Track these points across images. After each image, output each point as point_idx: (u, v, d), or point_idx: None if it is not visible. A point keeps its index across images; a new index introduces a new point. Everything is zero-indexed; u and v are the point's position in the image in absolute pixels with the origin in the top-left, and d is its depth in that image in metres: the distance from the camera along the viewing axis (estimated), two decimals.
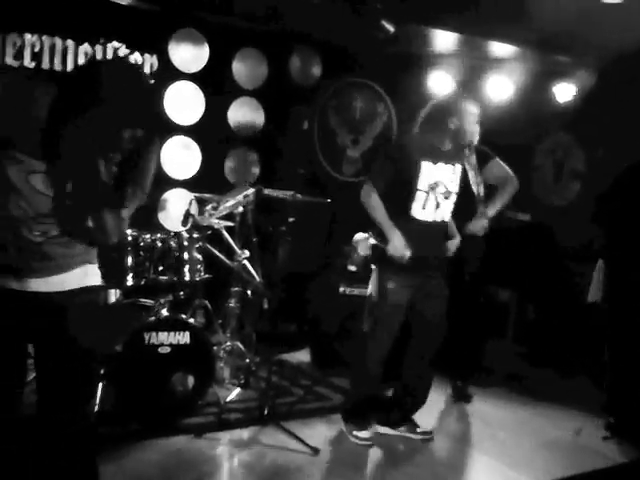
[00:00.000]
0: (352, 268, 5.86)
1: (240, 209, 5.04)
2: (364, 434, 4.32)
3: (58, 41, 5.50)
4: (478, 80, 6.65)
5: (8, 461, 2.46)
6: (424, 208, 4.14)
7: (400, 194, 4.12)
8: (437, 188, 4.16)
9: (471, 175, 4.94)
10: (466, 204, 4.69)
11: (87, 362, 2.52)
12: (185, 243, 4.46)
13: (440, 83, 6.74)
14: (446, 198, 4.19)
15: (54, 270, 2.40)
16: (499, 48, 6.22)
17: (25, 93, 2.24)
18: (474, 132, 4.30)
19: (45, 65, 5.41)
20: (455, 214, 4.36)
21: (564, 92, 6.36)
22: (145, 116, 2.25)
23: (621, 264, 4.70)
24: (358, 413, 4.40)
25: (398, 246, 4.05)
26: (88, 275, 2.51)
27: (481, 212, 4.79)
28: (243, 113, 6.63)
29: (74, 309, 2.44)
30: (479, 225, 4.70)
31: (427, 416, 4.64)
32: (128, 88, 2.19)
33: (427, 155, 4.12)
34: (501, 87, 6.57)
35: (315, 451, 4.04)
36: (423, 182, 4.11)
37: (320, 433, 4.36)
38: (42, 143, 2.21)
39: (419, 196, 4.11)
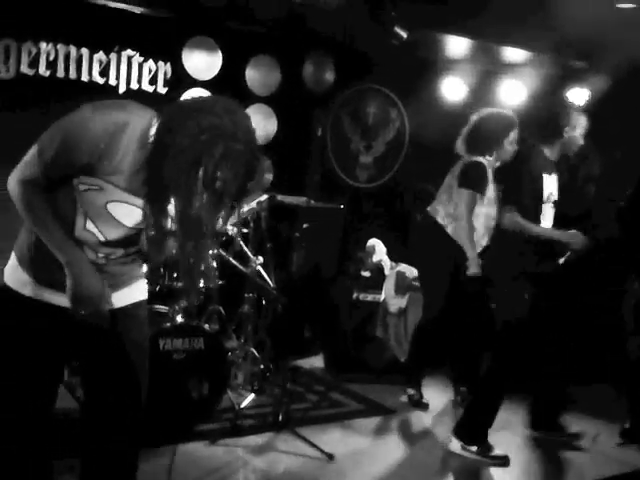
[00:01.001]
0: (365, 274, 5.88)
1: (254, 215, 5.07)
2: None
3: (73, 49, 5.53)
4: (491, 85, 6.65)
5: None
6: (544, 220, 4.20)
7: (529, 209, 4.12)
8: (550, 198, 4.22)
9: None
10: None
11: (139, 376, 2.49)
12: None
13: (453, 89, 6.75)
14: (552, 207, 4.25)
15: (113, 288, 2.38)
16: (512, 53, 6.23)
17: (115, 122, 2.11)
18: (579, 144, 4.33)
19: (60, 74, 5.44)
20: None
21: (578, 96, 6.35)
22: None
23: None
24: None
25: (576, 236, 4.10)
26: (140, 289, 2.54)
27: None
28: (256, 120, 6.62)
29: (128, 323, 2.44)
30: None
31: (437, 418, 4.62)
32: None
33: (545, 167, 4.20)
34: (514, 92, 6.57)
35: (330, 457, 4.03)
36: (545, 194, 4.16)
37: (335, 439, 4.36)
38: (134, 177, 2.13)
39: (543, 209, 4.16)
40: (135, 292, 2.51)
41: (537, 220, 4.14)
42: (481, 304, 4.93)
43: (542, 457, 4.38)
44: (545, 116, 4.37)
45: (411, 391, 5.16)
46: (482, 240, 4.87)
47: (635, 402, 4.72)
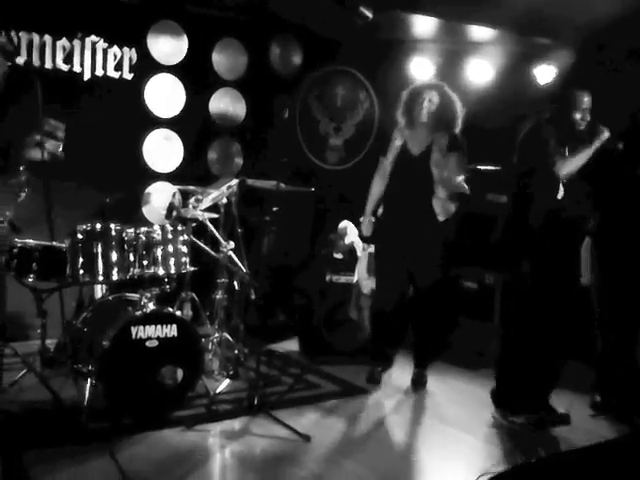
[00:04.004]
0: (338, 256, 5.89)
1: (224, 200, 5.05)
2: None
3: (36, 37, 5.46)
4: (459, 64, 6.66)
5: None
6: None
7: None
8: None
9: (435, 157, 4.99)
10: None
11: None
12: (170, 236, 4.45)
13: (421, 69, 6.75)
14: None
15: None
16: (478, 32, 6.22)
17: None
18: (585, 121, 4.47)
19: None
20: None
21: (544, 74, 6.36)
22: None
23: (610, 242, 4.70)
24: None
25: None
26: None
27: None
28: (224, 104, 6.62)
29: None
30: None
31: (410, 396, 4.64)
32: None
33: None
34: (481, 71, 6.59)
35: (306, 439, 4.04)
36: None
37: (311, 421, 4.38)
38: None
39: None
40: None
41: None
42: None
43: (513, 428, 4.43)
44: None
45: (378, 368, 5.24)
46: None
47: (604, 376, 4.79)
